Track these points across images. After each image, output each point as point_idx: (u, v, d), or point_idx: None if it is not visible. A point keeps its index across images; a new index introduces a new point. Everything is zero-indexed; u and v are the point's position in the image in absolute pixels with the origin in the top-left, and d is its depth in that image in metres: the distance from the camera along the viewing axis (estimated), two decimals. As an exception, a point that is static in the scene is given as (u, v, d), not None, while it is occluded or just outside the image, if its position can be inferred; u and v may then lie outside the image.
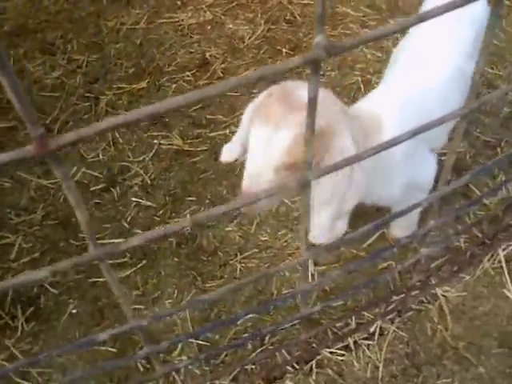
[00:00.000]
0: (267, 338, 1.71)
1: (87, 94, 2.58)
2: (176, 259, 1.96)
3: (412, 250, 1.88)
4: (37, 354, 1.75)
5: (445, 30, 1.59)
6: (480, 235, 1.86)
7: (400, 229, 1.90)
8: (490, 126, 2.29)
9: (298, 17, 2.87)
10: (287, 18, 2.88)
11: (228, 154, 1.38)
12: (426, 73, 1.51)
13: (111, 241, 2.03)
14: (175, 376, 1.67)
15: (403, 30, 0.90)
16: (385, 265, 1.86)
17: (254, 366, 1.64)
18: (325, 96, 1.18)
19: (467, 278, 1.79)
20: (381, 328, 1.70)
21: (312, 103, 0.62)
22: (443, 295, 1.76)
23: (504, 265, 1.79)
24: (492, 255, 1.82)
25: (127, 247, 0.63)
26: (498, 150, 2.19)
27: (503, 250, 1.82)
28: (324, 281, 1.61)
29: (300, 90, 1.15)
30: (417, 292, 1.68)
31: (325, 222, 1.26)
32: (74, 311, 1.85)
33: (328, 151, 1.17)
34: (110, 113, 2.49)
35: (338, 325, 1.72)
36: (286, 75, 1.51)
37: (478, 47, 1.68)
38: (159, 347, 0.88)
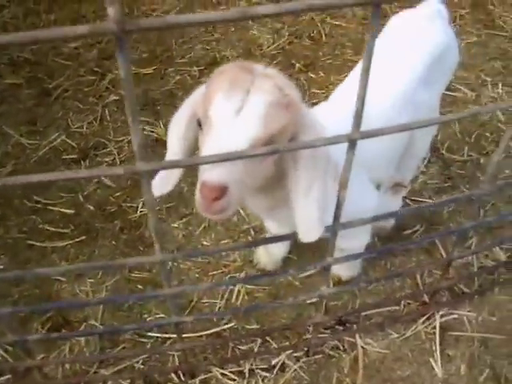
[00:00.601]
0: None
1: (96, 69, 2.63)
2: (114, 243, 1.94)
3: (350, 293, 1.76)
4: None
5: (397, 54, 1.50)
6: (425, 296, 1.71)
7: (343, 268, 1.78)
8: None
9: (323, 36, 2.80)
10: (312, 35, 2.81)
11: (164, 182, 1.19)
12: (372, 96, 1.41)
13: (62, 210, 2.04)
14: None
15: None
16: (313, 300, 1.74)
17: (141, 366, 1.58)
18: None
19: (395, 335, 1.64)
20: (283, 363, 1.59)
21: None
22: (363, 347, 1.62)
23: (438, 332, 1.63)
24: (428, 318, 1.66)
25: None
26: (482, 212, 2.02)
27: (441, 316, 1.66)
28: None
29: (252, 66, 1.05)
30: (325, 335, 1.56)
31: (313, 212, 1.10)
32: (1, 267, 1.87)
33: (300, 125, 1.07)
34: (110, 90, 2.52)
35: (242, 347, 1.62)
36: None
37: (438, 74, 1.56)
38: None
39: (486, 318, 1.69)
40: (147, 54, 2.72)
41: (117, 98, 2.48)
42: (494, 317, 1.69)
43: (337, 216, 1.09)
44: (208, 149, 0.98)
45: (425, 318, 1.65)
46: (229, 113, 0.96)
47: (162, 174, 1.22)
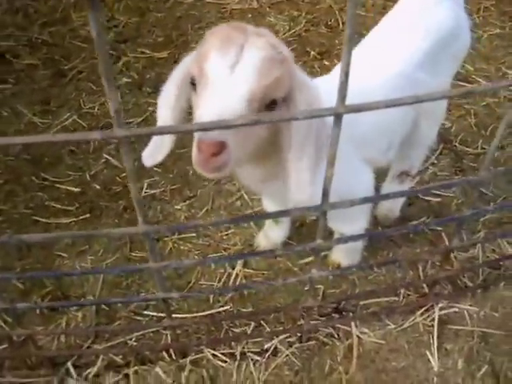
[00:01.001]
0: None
1: (111, 52, 2.65)
2: (117, 221, 1.95)
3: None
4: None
5: (402, 33, 1.48)
6: (425, 287, 1.67)
7: (342, 255, 1.75)
8: (497, 180, 2.05)
9: (340, 24, 2.76)
10: (330, 23, 2.78)
11: (156, 151, 1.21)
12: (370, 73, 1.38)
13: (69, 188, 2.06)
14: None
15: None
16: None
17: (134, 342, 1.59)
18: None
19: (392, 326, 1.61)
20: (276, 348, 1.57)
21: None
22: (358, 336, 1.59)
23: (436, 324, 1.58)
24: (427, 310, 1.62)
25: None
26: (491, 205, 1.95)
27: (441, 309, 1.61)
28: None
29: (245, 25, 1.06)
30: (318, 321, 1.53)
31: (305, 175, 1.11)
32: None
33: (294, 81, 1.07)
34: (123, 73, 2.54)
35: (235, 330, 1.61)
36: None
37: (445, 57, 1.51)
38: None
39: (488, 313, 1.64)
40: (163, 39, 2.73)
41: (129, 80, 2.49)
42: (497, 312, 1.64)
43: (325, 194, 1.07)
44: (204, 105, 0.98)
45: (423, 309, 1.61)
46: (224, 68, 0.97)
47: (153, 143, 1.23)
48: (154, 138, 1.23)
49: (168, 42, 2.70)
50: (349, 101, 0.91)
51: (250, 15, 2.84)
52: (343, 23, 2.76)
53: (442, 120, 1.78)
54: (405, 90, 1.35)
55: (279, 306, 1.56)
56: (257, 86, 0.97)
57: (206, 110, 0.97)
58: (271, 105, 1.03)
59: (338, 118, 0.93)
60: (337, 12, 2.82)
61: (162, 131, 0.92)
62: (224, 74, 0.97)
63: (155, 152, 1.22)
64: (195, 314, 1.65)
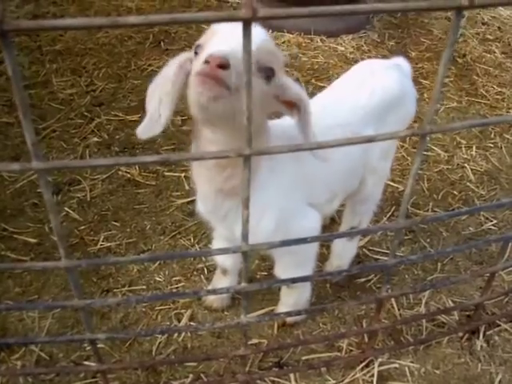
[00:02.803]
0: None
1: (85, 113, 2.79)
2: (69, 272, 1.97)
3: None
4: None
5: (346, 93, 1.61)
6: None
7: (286, 307, 1.76)
8: (447, 241, 2.12)
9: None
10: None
11: (153, 124, 1.26)
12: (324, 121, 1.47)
13: (26, 238, 2.09)
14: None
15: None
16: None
17: None
18: None
19: (332, 381, 1.59)
20: None
21: None
22: (297, 391, 1.57)
23: (375, 381, 1.57)
24: (367, 365, 1.61)
25: None
26: (439, 265, 2.00)
27: (380, 364, 1.61)
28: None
29: None
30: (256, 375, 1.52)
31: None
32: None
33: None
34: (94, 133, 2.65)
35: (174, 383, 1.59)
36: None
37: (391, 119, 1.61)
38: None
39: (429, 370, 1.64)
40: (136, 103, 2.87)
41: (100, 140, 2.60)
42: (439, 370, 1.64)
43: (244, 235, 1.12)
44: (210, 46, 1.09)
45: (363, 364, 1.61)
46: (231, 26, 1.08)
47: (149, 118, 1.27)
48: (151, 113, 1.28)
49: (141, 107, 2.83)
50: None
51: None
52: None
53: (387, 178, 1.86)
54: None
55: (212, 355, 1.55)
56: (259, 45, 1.09)
57: (212, 47, 1.08)
58: (268, 73, 1.16)
59: (246, 159, 1.00)
60: (303, 84, 3.00)
61: (74, 165, 0.98)
62: (230, 28, 1.09)
63: (152, 125, 1.26)
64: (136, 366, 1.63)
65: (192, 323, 1.78)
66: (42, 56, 3.25)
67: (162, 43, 3.45)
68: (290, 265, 1.60)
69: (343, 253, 1.94)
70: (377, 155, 1.69)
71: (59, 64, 3.19)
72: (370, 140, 1.07)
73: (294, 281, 1.26)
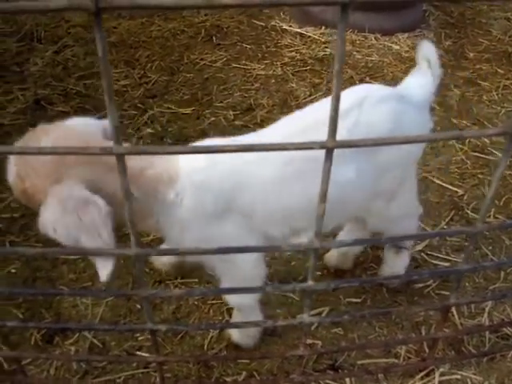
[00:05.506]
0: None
1: (139, 105, 2.80)
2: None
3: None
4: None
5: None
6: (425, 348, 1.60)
7: (235, 331, 1.68)
8: (510, 249, 2.02)
9: (359, 93, 2.85)
10: (349, 91, 2.88)
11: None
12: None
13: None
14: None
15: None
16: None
17: (122, 382, 1.55)
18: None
19: (390, 390, 1.54)
20: None
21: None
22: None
23: (437, 390, 1.51)
24: (428, 374, 1.54)
25: None
26: (502, 274, 1.91)
27: (441, 374, 1.54)
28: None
29: None
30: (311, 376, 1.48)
31: None
32: (13, 270, 1.94)
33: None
34: (148, 124, 2.66)
35: (227, 379, 1.57)
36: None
37: (380, 158, 1.41)
38: None
39: (493, 384, 1.56)
40: (188, 96, 2.87)
41: (152, 131, 2.61)
42: (503, 385, 1.56)
43: (317, 233, 1.08)
44: None
45: (424, 373, 1.54)
46: None
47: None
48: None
49: (193, 100, 2.84)
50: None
51: (273, 80, 2.99)
52: (362, 92, 2.86)
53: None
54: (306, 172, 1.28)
55: (269, 354, 1.52)
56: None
57: None
58: None
59: (329, 151, 0.96)
60: (357, 82, 2.94)
61: (155, 150, 0.97)
62: None
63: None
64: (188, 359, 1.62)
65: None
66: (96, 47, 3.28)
67: (213, 38, 3.44)
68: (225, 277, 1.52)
69: (394, 266, 1.85)
70: (368, 196, 1.48)
71: (113, 56, 3.23)
72: (457, 137, 1.02)
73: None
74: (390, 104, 1.43)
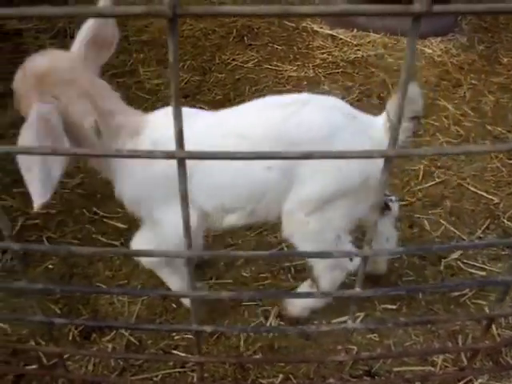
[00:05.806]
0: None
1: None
2: (157, 260, 1.99)
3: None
4: None
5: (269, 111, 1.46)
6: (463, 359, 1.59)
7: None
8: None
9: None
10: (382, 95, 2.87)
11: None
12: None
13: (117, 224, 2.13)
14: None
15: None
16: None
17: (159, 381, 1.57)
18: None
19: (427, 399, 1.53)
20: None
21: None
22: (390, 404, 1.51)
23: (476, 401, 1.50)
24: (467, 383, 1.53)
25: None
26: None
27: (481, 385, 1.53)
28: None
29: None
30: (348, 382, 1.48)
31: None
32: (51, 266, 1.97)
33: None
34: (180, 124, 2.68)
35: (263, 381, 1.57)
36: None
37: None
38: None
39: (532, 397, 1.54)
40: (221, 97, 2.89)
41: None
42: (543, 398, 1.54)
43: (368, 240, 1.08)
44: None
45: (462, 383, 1.53)
46: None
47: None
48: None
49: (225, 100, 2.85)
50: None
51: (305, 82, 2.98)
52: (395, 96, 2.84)
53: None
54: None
55: (308, 358, 1.52)
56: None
57: None
58: None
59: (387, 160, 0.96)
60: (390, 85, 2.92)
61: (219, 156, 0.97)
62: None
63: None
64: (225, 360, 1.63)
65: (281, 322, 1.76)
66: (129, 46, 3.32)
67: (245, 38, 3.45)
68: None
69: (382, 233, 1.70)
70: (295, 199, 1.46)
71: (145, 54, 3.26)
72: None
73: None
74: (333, 115, 1.44)
